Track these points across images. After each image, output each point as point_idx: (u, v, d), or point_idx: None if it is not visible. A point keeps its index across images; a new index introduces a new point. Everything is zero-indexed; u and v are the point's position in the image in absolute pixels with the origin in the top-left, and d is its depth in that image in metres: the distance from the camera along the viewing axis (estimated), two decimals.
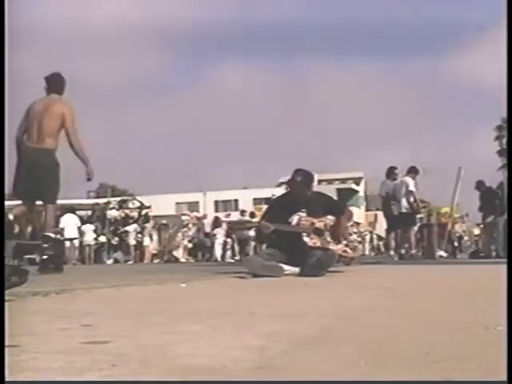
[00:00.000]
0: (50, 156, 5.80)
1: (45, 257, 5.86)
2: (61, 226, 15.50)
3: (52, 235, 6.02)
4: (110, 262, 17.29)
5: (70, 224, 15.54)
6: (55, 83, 5.96)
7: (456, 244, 17.05)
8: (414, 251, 11.09)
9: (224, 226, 17.06)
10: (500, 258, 10.27)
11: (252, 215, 16.18)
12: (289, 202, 5.13)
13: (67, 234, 15.32)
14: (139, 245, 17.43)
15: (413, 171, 11.08)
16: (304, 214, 4.99)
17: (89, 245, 17.21)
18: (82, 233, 16.75)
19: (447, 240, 14.66)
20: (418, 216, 11.93)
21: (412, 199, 10.80)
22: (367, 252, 25.80)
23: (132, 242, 17.43)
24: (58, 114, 5.74)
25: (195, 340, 1.44)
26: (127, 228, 17.87)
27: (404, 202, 10.76)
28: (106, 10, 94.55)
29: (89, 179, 5.96)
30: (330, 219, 5.06)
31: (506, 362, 1.12)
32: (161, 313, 2.11)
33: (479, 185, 12.70)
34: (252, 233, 16.49)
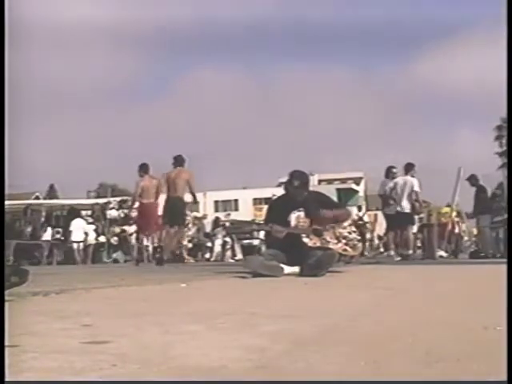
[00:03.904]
0: (181, 201, 10.12)
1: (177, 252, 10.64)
2: (70, 229, 16.73)
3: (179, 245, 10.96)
4: (109, 261, 17.30)
5: (77, 228, 16.71)
6: (180, 161, 10.09)
7: (456, 244, 17.00)
8: (411, 251, 10.99)
9: (225, 226, 17.04)
10: (495, 257, 10.27)
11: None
12: (286, 202, 5.14)
13: (74, 237, 16.59)
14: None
15: (410, 168, 10.96)
16: (302, 213, 4.99)
17: (89, 244, 17.23)
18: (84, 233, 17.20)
19: (447, 240, 14.64)
20: (418, 216, 11.89)
21: (415, 199, 10.73)
22: (367, 252, 25.76)
23: (132, 241, 17.39)
24: (185, 179, 9.98)
25: (195, 340, 1.44)
26: (127, 228, 17.82)
27: (406, 201, 10.67)
28: (81, 11, 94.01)
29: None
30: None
31: (506, 361, 1.12)
32: (161, 313, 2.11)
33: (472, 179, 12.15)
34: (256, 241, 16.80)
